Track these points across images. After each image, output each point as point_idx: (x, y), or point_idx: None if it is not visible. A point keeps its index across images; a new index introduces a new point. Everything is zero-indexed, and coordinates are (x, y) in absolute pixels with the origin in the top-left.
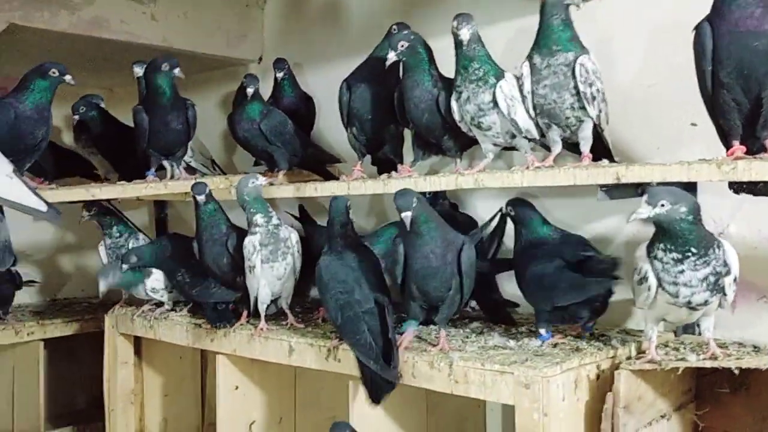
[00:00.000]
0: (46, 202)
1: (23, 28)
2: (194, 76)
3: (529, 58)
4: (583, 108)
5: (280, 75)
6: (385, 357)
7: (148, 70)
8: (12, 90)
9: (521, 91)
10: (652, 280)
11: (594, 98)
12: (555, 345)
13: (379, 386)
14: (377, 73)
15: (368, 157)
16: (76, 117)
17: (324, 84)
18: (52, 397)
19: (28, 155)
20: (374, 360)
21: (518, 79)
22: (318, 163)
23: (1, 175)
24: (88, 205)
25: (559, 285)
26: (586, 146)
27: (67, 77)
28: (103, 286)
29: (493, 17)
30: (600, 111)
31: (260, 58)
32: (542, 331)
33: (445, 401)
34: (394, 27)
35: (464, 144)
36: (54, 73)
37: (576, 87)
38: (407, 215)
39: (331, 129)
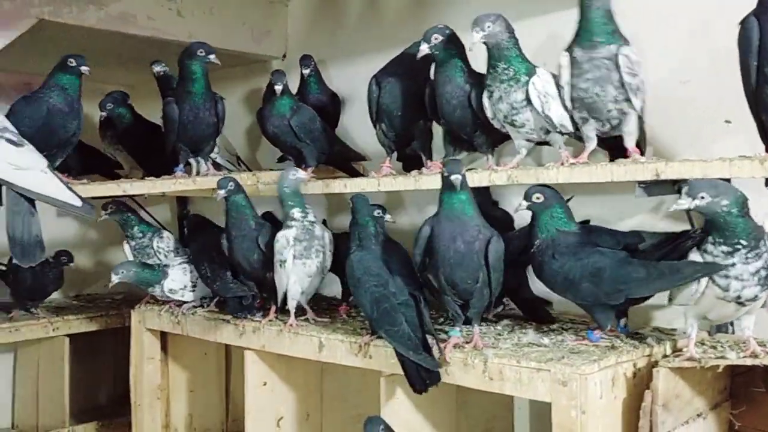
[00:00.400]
0: (80, 197)
1: (52, 24)
2: (217, 72)
3: (569, 51)
4: (627, 100)
5: (306, 71)
6: (423, 348)
7: (182, 57)
8: (41, 85)
9: (558, 82)
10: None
11: (638, 89)
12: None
13: (422, 377)
14: (407, 69)
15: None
16: (104, 114)
17: (348, 80)
18: (75, 392)
19: (61, 150)
20: (414, 351)
21: (557, 69)
22: (344, 160)
23: (35, 170)
24: (105, 204)
25: (632, 276)
26: (630, 141)
27: (84, 68)
28: (114, 279)
29: (521, 13)
30: (643, 103)
31: (284, 55)
32: (596, 330)
33: (474, 399)
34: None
35: (496, 140)
36: (72, 62)
37: (620, 79)
38: (458, 177)
39: (354, 126)
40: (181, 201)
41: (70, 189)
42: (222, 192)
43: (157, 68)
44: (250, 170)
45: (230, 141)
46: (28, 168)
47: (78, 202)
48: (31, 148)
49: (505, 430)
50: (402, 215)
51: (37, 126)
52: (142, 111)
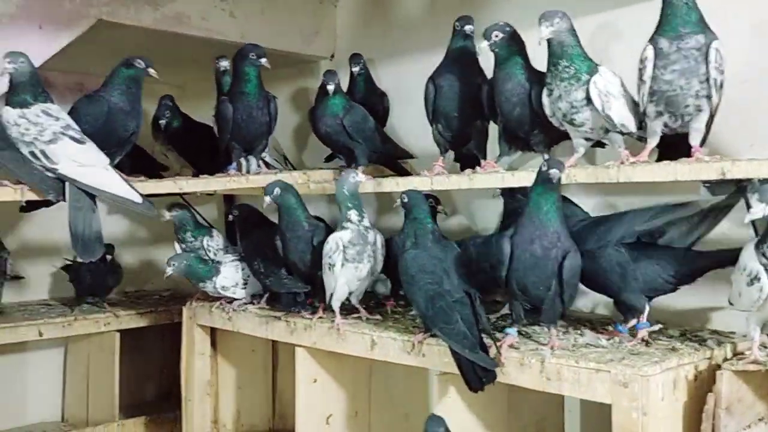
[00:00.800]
0: (140, 194)
1: (110, 24)
2: (266, 72)
3: (654, 41)
4: (706, 96)
5: (356, 70)
6: (479, 346)
7: (236, 59)
8: (102, 85)
9: (641, 76)
10: (765, 281)
11: (720, 86)
12: (647, 343)
13: (479, 375)
14: (461, 68)
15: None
16: (162, 122)
17: (395, 79)
18: (123, 387)
19: (120, 149)
20: (470, 348)
21: (641, 62)
22: (393, 158)
23: (99, 167)
24: (170, 204)
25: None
26: (696, 138)
27: (151, 70)
28: (168, 271)
29: (573, 12)
30: (719, 101)
31: (332, 55)
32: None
33: (525, 400)
34: (457, 23)
35: (553, 139)
36: (139, 64)
37: (707, 73)
38: (556, 172)
39: (402, 124)
40: (229, 199)
41: (131, 186)
42: (268, 199)
43: (223, 63)
44: (295, 169)
45: (278, 140)
46: (91, 165)
47: (138, 199)
48: (93, 145)
49: (556, 431)
50: (451, 216)
51: (98, 125)
52: (190, 110)
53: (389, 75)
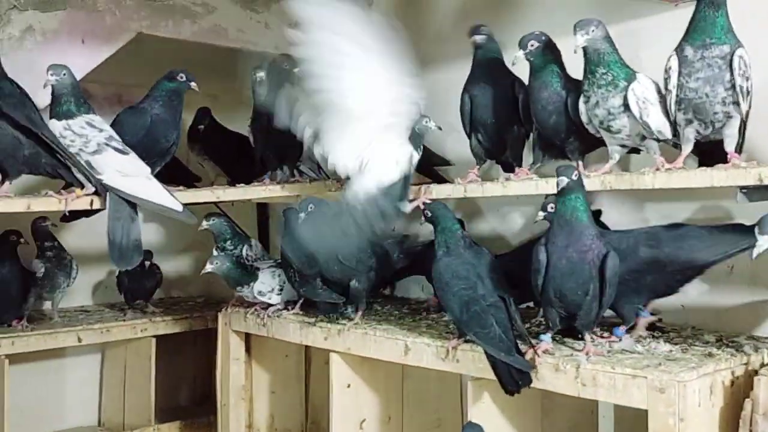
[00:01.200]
0: (180, 203)
1: (149, 37)
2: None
3: (679, 50)
4: (735, 103)
5: None
6: (515, 350)
7: (270, 68)
8: (144, 97)
9: (667, 85)
10: None
11: (748, 93)
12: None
13: (515, 378)
14: (489, 75)
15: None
16: (201, 127)
17: (428, 88)
18: (158, 392)
19: (161, 158)
20: (506, 352)
21: (666, 72)
22: (430, 165)
23: (140, 176)
24: (208, 214)
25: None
26: (731, 144)
27: (193, 84)
28: (208, 268)
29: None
30: (749, 107)
31: None
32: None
33: (558, 406)
34: (474, 34)
35: (588, 146)
36: (181, 78)
37: (732, 80)
38: (562, 179)
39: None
40: (263, 207)
41: (172, 195)
42: (302, 216)
43: (259, 74)
44: (329, 178)
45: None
46: (134, 175)
47: (179, 207)
48: (135, 156)
49: None
50: (481, 222)
51: (140, 136)
52: (223, 120)
53: (421, 84)
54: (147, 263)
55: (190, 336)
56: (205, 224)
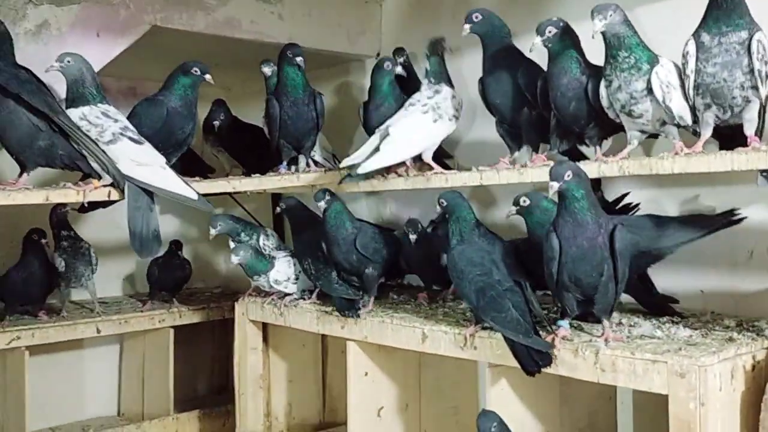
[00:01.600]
0: (196, 192)
1: (163, 30)
2: (312, 72)
3: (696, 36)
4: (753, 87)
5: (400, 61)
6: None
7: (279, 58)
8: (160, 89)
9: (685, 70)
10: None
11: (767, 77)
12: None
13: (534, 359)
14: (496, 61)
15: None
16: (216, 123)
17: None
18: (176, 382)
19: (177, 150)
20: (524, 334)
21: (683, 57)
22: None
23: (156, 166)
24: (212, 218)
25: None
26: (751, 128)
27: (207, 76)
28: (235, 260)
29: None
30: None
31: (378, 54)
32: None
33: (577, 393)
34: (476, 15)
35: (607, 132)
36: (196, 71)
37: (750, 65)
38: (554, 185)
39: None
40: (277, 198)
41: (187, 184)
42: (322, 204)
43: (265, 69)
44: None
45: (326, 139)
46: (148, 164)
47: (195, 196)
48: (150, 146)
49: (608, 424)
50: (494, 210)
51: (157, 127)
52: (237, 111)
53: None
54: (180, 254)
55: (207, 326)
56: (213, 232)
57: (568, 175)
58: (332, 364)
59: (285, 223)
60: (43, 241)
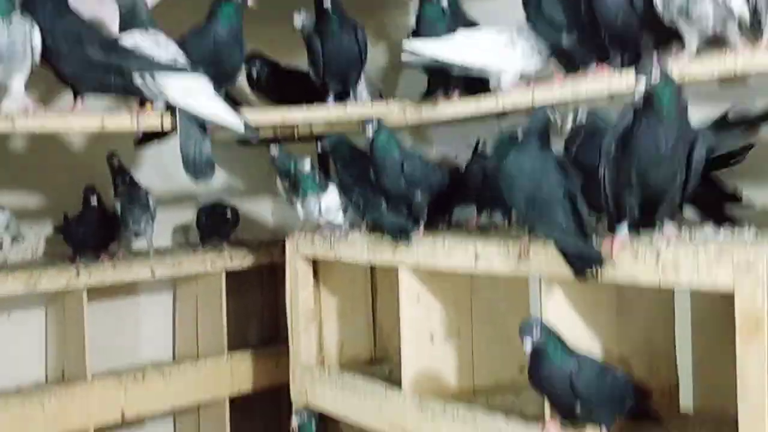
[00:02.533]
0: (244, 122)
1: None
2: (353, 9)
3: None
4: None
5: None
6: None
7: None
8: (206, 17)
9: None
10: None
11: None
12: None
13: (586, 262)
14: None
15: None
16: (255, 71)
17: (482, 13)
18: (228, 328)
19: (226, 80)
20: (575, 237)
21: None
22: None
23: (205, 95)
24: (270, 142)
25: None
26: None
27: (249, 1)
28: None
29: None
30: None
31: None
32: None
33: (634, 303)
34: None
35: (663, 39)
36: None
37: None
38: (642, 77)
39: None
40: (321, 139)
41: (236, 113)
42: (370, 130)
43: (296, 20)
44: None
45: (371, 76)
46: (198, 93)
47: (242, 126)
48: (199, 74)
49: (666, 337)
50: None
51: (205, 56)
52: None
53: (475, 9)
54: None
55: (256, 276)
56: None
57: (656, 68)
58: (382, 301)
59: (329, 168)
60: (94, 197)
